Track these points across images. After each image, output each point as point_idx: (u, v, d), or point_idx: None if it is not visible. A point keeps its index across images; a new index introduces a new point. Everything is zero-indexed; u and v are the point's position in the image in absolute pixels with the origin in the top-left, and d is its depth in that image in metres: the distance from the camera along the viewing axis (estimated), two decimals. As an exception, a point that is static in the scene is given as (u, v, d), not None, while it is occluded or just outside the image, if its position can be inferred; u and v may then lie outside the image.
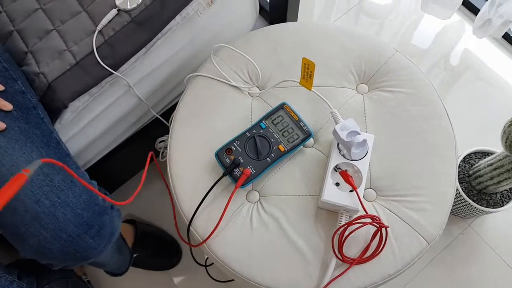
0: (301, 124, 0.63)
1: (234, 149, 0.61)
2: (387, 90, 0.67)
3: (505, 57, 1.27)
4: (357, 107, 0.67)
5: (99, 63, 0.66)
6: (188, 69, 0.80)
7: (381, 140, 0.63)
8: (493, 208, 1.02)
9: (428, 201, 0.60)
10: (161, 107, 0.86)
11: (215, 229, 0.58)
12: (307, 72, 0.59)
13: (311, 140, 0.65)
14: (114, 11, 0.67)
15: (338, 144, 0.59)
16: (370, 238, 0.58)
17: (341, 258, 0.56)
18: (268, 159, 0.61)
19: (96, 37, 0.67)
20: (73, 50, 0.67)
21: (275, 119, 0.63)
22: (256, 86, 0.70)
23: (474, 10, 1.29)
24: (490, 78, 1.23)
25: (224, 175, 0.59)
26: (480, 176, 0.97)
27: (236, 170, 0.60)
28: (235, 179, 0.60)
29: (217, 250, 0.59)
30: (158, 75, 0.76)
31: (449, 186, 0.62)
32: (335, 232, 0.56)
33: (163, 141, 0.92)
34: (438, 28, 1.30)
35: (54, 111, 0.66)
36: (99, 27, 0.67)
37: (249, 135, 0.62)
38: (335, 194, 0.57)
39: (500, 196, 1.03)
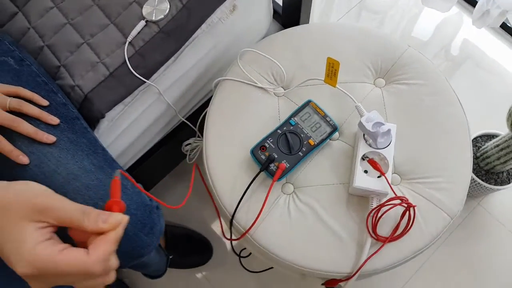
0: (327, 119, 0.68)
1: (267, 146, 0.66)
2: (403, 83, 0.73)
3: (503, 46, 1.33)
4: (377, 100, 0.72)
5: (131, 73, 0.70)
6: (212, 72, 0.85)
7: (401, 128, 0.68)
8: (501, 185, 1.08)
9: (448, 181, 0.66)
10: (186, 111, 0.90)
11: (257, 219, 0.63)
12: (332, 70, 0.64)
13: (336, 134, 0.70)
14: (142, 23, 0.71)
15: (364, 135, 0.64)
16: (399, 218, 0.63)
17: (375, 237, 0.61)
18: (300, 153, 0.66)
19: (127, 48, 0.71)
20: (106, 61, 0.71)
21: (303, 115, 0.68)
22: (281, 87, 0.74)
23: (472, 2, 1.35)
24: (489, 66, 1.30)
25: (261, 170, 0.64)
26: (487, 157, 1.03)
27: (272, 165, 0.65)
28: (271, 174, 0.64)
29: (260, 239, 0.64)
30: (185, 81, 0.81)
31: (466, 166, 0.67)
32: (369, 214, 0.61)
33: (189, 144, 0.96)
34: (438, 20, 1.35)
35: (92, 121, 0.70)
36: (129, 39, 0.71)
37: (280, 132, 0.67)
38: (365, 180, 0.62)
39: (506, 175, 1.10)
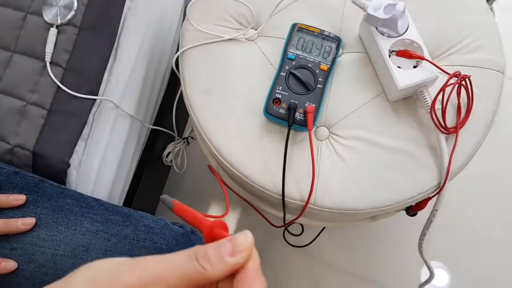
0: (325, 33, 0.56)
1: (280, 96, 0.53)
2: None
3: None
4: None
5: (75, 96, 0.53)
6: (157, 56, 0.68)
7: (407, 4, 0.57)
8: None
9: (481, 35, 0.57)
10: (149, 116, 0.74)
11: (313, 182, 0.51)
12: (309, -28, 0.51)
13: (339, 49, 0.58)
14: (53, 30, 0.53)
15: (377, 28, 0.53)
16: (456, 98, 0.53)
17: (447, 131, 0.52)
18: (318, 85, 0.53)
19: (52, 71, 0.53)
20: (35, 100, 0.53)
21: (297, 43, 0.55)
22: (251, 28, 0.60)
23: None
24: None
25: (290, 126, 0.51)
26: None
27: (297, 114, 0.52)
28: (301, 124, 0.52)
29: (326, 203, 0.52)
30: (136, 79, 0.64)
31: (487, 11, 0.59)
32: (432, 109, 0.51)
33: (170, 152, 0.80)
34: None
35: (58, 178, 0.53)
36: (47, 59, 0.53)
37: (284, 74, 0.54)
38: (407, 76, 0.51)
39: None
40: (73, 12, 0.53)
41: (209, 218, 0.27)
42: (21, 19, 0.55)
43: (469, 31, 0.57)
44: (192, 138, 0.84)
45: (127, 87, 0.61)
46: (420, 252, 0.61)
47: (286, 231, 0.85)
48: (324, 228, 0.86)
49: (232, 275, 0.23)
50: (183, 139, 0.83)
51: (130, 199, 0.72)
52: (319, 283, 0.93)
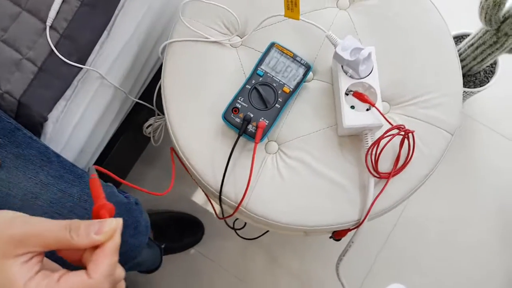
0: (298, 59, 0.60)
1: (239, 106, 0.58)
2: (369, -2, 0.65)
3: None
4: (345, 25, 0.64)
5: (64, 62, 0.59)
6: (154, 37, 0.74)
7: (379, 49, 0.61)
8: (480, 86, 1.05)
9: (441, 94, 0.61)
10: (137, 89, 0.80)
11: (247, 189, 0.56)
12: (291, 1, 0.55)
13: (310, 74, 0.62)
14: (59, 0, 0.59)
15: (342, 66, 0.57)
16: (398, 148, 0.58)
17: (378, 175, 0.56)
18: (277, 105, 0.58)
19: (50, 35, 0.59)
20: (30, 56, 0.60)
21: (269, 62, 0.60)
22: (237, 35, 0.65)
23: None
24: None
25: (240, 134, 0.57)
26: (462, 60, 0.98)
27: (250, 126, 0.57)
28: (251, 136, 0.57)
29: (255, 209, 0.58)
30: (127, 55, 0.70)
31: (455, 73, 0.62)
32: (367, 153, 0.55)
33: (150, 125, 0.87)
34: None
35: (35, 128, 0.61)
36: (48, 22, 0.59)
37: (249, 87, 0.59)
38: (355, 117, 0.55)
39: (483, 74, 1.06)
40: (80, -14, 0.60)
41: (105, 202, 0.33)
42: (35, -19, 0.61)
43: (434, 88, 0.61)
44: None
45: (116, 61, 0.67)
46: (337, 274, 0.67)
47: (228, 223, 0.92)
48: (266, 232, 0.92)
49: (95, 248, 0.29)
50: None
51: (101, 161, 0.79)
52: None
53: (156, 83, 0.82)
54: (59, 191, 0.51)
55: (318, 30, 0.61)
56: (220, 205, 0.60)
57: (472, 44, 0.94)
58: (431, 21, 0.64)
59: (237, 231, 0.85)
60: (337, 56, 0.55)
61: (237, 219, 0.92)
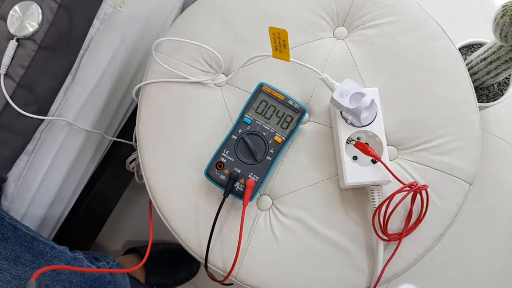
0: (290, 102, 0.52)
1: (225, 160, 0.50)
2: (370, 26, 0.56)
3: None
4: (343, 58, 0.56)
5: (21, 114, 0.52)
6: (129, 74, 0.66)
7: (383, 88, 0.53)
8: (494, 100, 0.96)
9: (456, 138, 0.52)
10: (115, 127, 0.72)
11: (236, 257, 0.49)
12: (279, 42, 0.47)
13: (306, 116, 0.54)
14: (13, 43, 0.51)
15: (341, 112, 0.49)
16: (409, 204, 0.50)
17: (387, 238, 0.48)
18: (267, 157, 0.50)
19: (5, 84, 0.52)
20: (-17, 109, 0.52)
21: (257, 107, 0.52)
22: (222, 73, 0.57)
23: None
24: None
25: (225, 196, 0.49)
26: (474, 74, 0.90)
27: (237, 184, 0.49)
28: (239, 195, 0.50)
29: (248, 279, 0.51)
30: (98, 97, 0.62)
31: (472, 112, 0.54)
32: (375, 213, 0.48)
33: (134, 159, 0.79)
34: None
35: (-6, 189, 0.53)
36: (2, 70, 0.52)
37: (236, 137, 0.51)
38: (358, 173, 0.48)
39: (497, 86, 0.98)
40: (37, 27, 0.51)
41: None
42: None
43: (447, 130, 0.53)
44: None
45: (85, 105, 0.60)
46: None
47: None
48: None
49: None
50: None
51: (80, 204, 0.72)
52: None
53: (134, 120, 0.74)
54: (14, 278, 0.44)
55: (313, 65, 0.53)
56: (207, 273, 0.53)
57: (485, 58, 0.85)
58: (442, 52, 0.55)
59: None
60: (335, 102, 0.47)
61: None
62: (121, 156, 0.78)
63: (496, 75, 0.86)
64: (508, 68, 0.83)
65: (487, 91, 0.98)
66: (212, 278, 0.53)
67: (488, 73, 0.87)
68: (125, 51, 0.62)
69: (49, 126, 0.55)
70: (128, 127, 0.75)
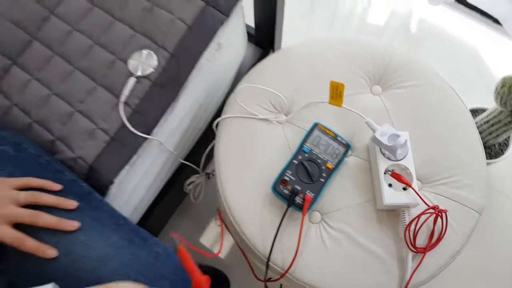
0: (339, 138, 0.67)
1: (288, 179, 0.65)
2: (400, 87, 0.73)
3: (461, 17, 1.37)
4: (379, 109, 0.72)
5: (133, 133, 0.67)
6: (206, 110, 0.83)
7: (411, 133, 0.68)
8: (496, 158, 1.11)
9: (469, 177, 0.67)
10: (184, 152, 0.88)
11: (295, 257, 0.61)
12: (337, 92, 0.64)
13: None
14: (133, 79, 0.68)
15: (380, 149, 0.64)
16: (432, 225, 0.63)
17: (415, 250, 0.61)
18: (321, 179, 0.65)
19: (123, 109, 0.68)
20: (104, 127, 0.68)
21: (313, 140, 0.67)
22: (283, 114, 0.73)
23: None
24: (450, 39, 1.34)
25: (289, 206, 0.63)
26: (479, 134, 1.06)
27: (297, 198, 0.63)
28: (298, 207, 0.63)
29: (301, 276, 0.63)
30: (182, 126, 0.78)
31: (479, 158, 0.69)
32: (406, 229, 0.61)
33: (192, 182, 0.93)
34: (391, 5, 1.40)
35: (100, 190, 0.67)
36: (122, 99, 0.68)
37: (297, 162, 0.66)
38: (393, 196, 0.62)
39: (498, 146, 1.13)
40: (152, 70, 0.69)
41: (199, 274, 0.39)
42: (110, 62, 0.71)
43: (461, 171, 0.67)
44: (213, 174, 0.97)
45: (173, 131, 0.75)
46: None
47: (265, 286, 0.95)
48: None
49: None
50: (206, 174, 0.96)
51: (147, 216, 0.85)
52: None
53: (199, 146, 0.89)
54: (130, 254, 0.57)
55: (359, 115, 0.69)
56: (266, 270, 0.65)
57: (488, 121, 1.02)
58: (456, 109, 0.72)
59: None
60: (376, 141, 0.63)
61: (270, 278, 0.96)
62: (182, 178, 0.92)
63: (497, 135, 1.02)
64: (507, 130, 0.99)
65: (489, 150, 1.13)
66: (263, 280, 0.64)
67: (490, 133, 1.03)
68: (205, 92, 0.79)
69: (146, 144, 0.70)
70: (192, 154, 0.90)
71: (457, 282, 1.07)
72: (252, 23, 0.97)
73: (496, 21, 1.31)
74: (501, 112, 0.96)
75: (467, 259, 1.10)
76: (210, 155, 0.84)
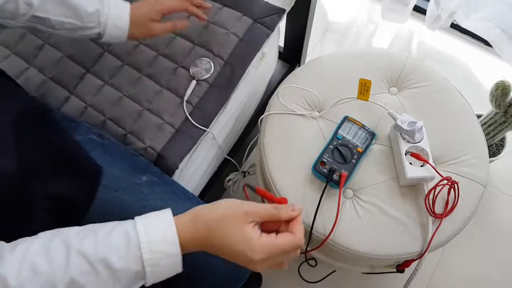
0: (366, 128, 0.82)
1: (326, 160, 0.78)
2: (413, 87, 0.88)
3: (455, 41, 1.56)
4: (397, 105, 0.87)
5: (194, 125, 0.81)
6: (247, 112, 0.97)
7: (425, 123, 0.83)
8: (494, 156, 1.26)
9: (473, 157, 0.81)
10: (227, 149, 1.01)
11: (335, 223, 0.74)
12: (364, 88, 0.78)
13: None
14: (194, 82, 0.83)
15: (401, 134, 0.78)
16: (446, 195, 0.76)
17: (434, 215, 0.74)
18: (353, 160, 0.78)
19: (186, 106, 0.82)
20: (170, 121, 0.81)
21: (344, 129, 0.81)
22: (316, 111, 0.88)
23: (421, 10, 1.58)
24: (447, 59, 1.52)
25: (328, 181, 0.76)
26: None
27: (334, 175, 0.77)
28: (336, 183, 0.76)
29: (340, 242, 0.75)
30: (229, 123, 0.92)
31: (482, 143, 0.83)
32: (426, 197, 0.74)
33: (231, 179, 1.06)
34: (394, 30, 1.59)
35: (167, 174, 0.80)
36: (185, 98, 0.82)
37: (332, 147, 0.79)
38: (414, 171, 0.75)
39: (495, 147, 1.28)
40: (209, 75, 0.83)
41: (280, 197, 0.52)
42: (174, 68, 0.86)
43: (467, 152, 0.81)
44: (249, 173, 1.09)
45: (224, 126, 0.89)
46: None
47: (302, 264, 1.06)
48: (332, 272, 1.06)
49: (287, 222, 0.48)
50: (243, 172, 1.09)
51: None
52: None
53: (239, 144, 1.03)
54: (184, 209, 0.69)
55: (378, 107, 0.83)
56: (309, 238, 0.77)
57: (485, 123, 1.17)
58: (461, 106, 0.87)
59: (304, 272, 0.97)
60: (397, 127, 0.77)
61: (304, 262, 1.07)
62: (223, 174, 1.05)
63: (494, 135, 1.17)
64: (502, 129, 1.14)
65: (488, 150, 1.28)
66: (305, 251, 0.76)
67: (487, 134, 1.18)
68: (248, 95, 0.94)
69: (204, 136, 0.84)
70: (231, 153, 1.04)
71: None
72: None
73: (487, 43, 1.49)
74: (496, 113, 1.12)
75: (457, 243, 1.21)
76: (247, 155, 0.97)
